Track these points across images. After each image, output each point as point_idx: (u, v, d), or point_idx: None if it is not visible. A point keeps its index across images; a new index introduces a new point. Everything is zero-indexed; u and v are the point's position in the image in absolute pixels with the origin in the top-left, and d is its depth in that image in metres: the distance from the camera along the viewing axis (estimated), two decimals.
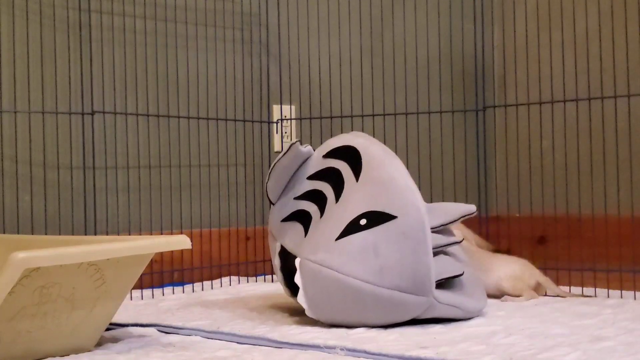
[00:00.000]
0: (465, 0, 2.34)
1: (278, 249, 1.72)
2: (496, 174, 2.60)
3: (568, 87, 2.14)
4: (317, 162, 1.74)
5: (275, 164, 1.71)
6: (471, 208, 1.77)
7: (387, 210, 1.60)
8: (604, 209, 2.05)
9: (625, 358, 1.29)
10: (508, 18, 2.59)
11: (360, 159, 1.68)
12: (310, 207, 1.70)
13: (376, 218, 1.60)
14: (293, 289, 1.66)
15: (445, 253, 1.69)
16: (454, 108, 2.52)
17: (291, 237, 1.69)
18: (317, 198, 1.70)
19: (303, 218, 1.70)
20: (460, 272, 1.64)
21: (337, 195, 1.67)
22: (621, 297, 1.89)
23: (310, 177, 1.73)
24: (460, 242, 1.73)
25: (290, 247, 1.68)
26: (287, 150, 1.70)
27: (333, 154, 1.72)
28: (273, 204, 1.75)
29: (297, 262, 1.64)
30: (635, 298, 1.88)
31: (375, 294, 1.56)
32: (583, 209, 2.14)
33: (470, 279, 1.71)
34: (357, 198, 1.64)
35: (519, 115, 2.37)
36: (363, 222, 1.60)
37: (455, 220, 1.74)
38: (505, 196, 2.60)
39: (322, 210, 1.68)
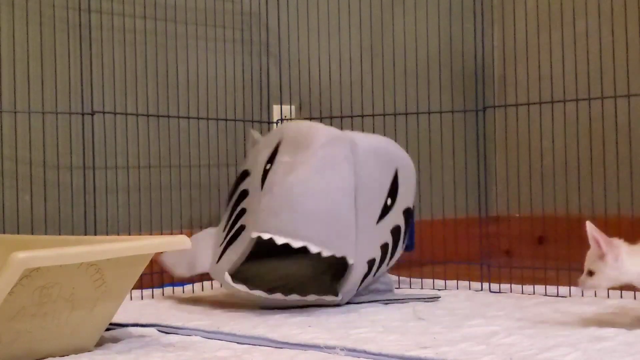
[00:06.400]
0: (465, 1, 2.34)
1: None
2: (496, 174, 2.60)
3: (568, 87, 2.14)
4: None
5: None
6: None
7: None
8: (604, 209, 2.04)
9: (625, 358, 1.29)
10: (508, 18, 2.59)
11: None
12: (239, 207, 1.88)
13: None
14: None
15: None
16: (454, 108, 2.52)
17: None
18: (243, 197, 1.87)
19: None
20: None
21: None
22: (621, 297, 1.89)
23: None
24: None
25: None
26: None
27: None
28: None
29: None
30: (635, 298, 1.88)
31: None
32: (583, 209, 2.14)
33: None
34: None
35: (519, 115, 2.36)
36: None
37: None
38: (505, 196, 2.60)
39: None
